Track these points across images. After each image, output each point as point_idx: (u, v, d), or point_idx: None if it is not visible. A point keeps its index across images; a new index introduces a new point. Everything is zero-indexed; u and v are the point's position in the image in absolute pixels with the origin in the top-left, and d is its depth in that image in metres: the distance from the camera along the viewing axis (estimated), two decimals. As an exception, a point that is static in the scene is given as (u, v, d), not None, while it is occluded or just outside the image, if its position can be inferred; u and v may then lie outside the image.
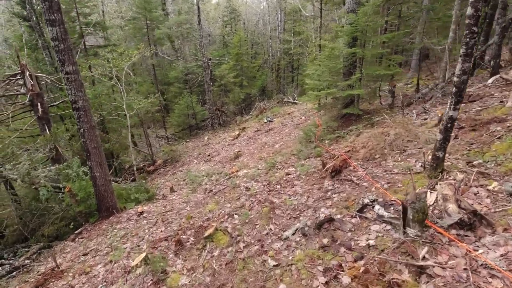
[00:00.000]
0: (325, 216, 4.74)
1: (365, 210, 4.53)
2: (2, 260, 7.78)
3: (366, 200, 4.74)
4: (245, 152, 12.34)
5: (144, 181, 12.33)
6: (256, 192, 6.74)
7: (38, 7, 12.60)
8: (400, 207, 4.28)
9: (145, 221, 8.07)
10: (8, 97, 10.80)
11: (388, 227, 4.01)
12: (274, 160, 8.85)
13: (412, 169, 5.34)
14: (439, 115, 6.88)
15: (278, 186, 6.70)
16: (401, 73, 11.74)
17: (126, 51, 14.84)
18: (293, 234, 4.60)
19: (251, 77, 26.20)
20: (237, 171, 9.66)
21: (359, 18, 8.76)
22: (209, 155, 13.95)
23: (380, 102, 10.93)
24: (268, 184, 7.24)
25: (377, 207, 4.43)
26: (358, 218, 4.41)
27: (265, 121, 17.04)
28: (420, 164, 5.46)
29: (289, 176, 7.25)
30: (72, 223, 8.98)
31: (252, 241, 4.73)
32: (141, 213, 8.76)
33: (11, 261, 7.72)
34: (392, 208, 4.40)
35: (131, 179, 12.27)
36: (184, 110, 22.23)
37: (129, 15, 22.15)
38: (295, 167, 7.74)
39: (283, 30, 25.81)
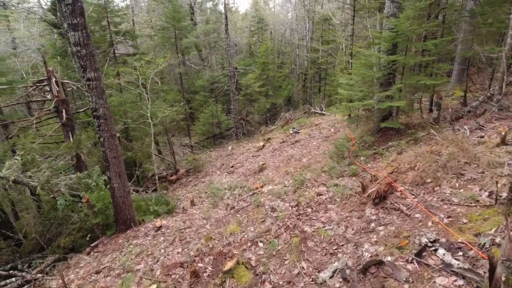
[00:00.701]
0: (370, 256, 3.81)
1: (424, 253, 3.56)
2: (15, 272, 7.38)
3: (424, 240, 3.76)
4: (270, 165, 11.52)
5: (165, 191, 11.81)
6: (284, 215, 5.88)
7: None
8: (472, 253, 3.29)
9: (162, 238, 7.43)
10: (36, 103, 10.69)
11: (461, 281, 3.03)
12: (303, 177, 7.96)
13: (478, 200, 4.30)
14: (503, 133, 5.75)
15: (309, 210, 5.81)
16: (443, 83, 10.54)
17: (153, 59, 14.63)
18: (331, 277, 3.70)
19: (277, 87, 25.49)
20: (262, 186, 8.85)
21: (401, 23, 7.80)
22: (232, 167, 13.25)
23: (421, 115, 9.78)
24: (296, 205, 6.36)
25: (441, 251, 3.45)
26: (416, 264, 3.44)
27: (291, 132, 16.18)
28: (487, 193, 4.41)
29: (321, 197, 6.34)
30: (89, 235, 8.50)
31: (281, 282, 3.87)
32: (159, 228, 8.14)
33: (23, 273, 7.30)
34: (460, 253, 3.40)
35: (152, 188, 11.79)
36: (209, 119, 21.84)
37: (159, 25, 22.24)
38: (327, 187, 6.81)
39: (311, 40, 25.00)
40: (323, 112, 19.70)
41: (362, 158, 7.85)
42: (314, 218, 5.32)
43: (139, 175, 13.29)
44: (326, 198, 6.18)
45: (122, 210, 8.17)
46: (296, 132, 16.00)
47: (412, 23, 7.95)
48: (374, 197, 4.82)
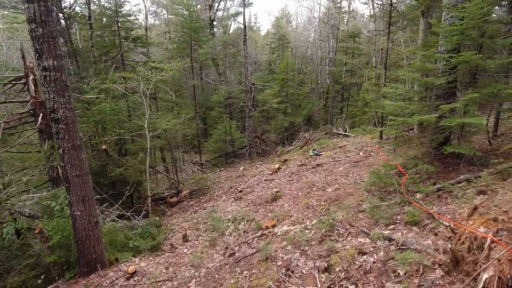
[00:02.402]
0: None
1: None
2: None
3: None
4: (286, 193, 9.11)
5: (157, 218, 9.56)
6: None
7: (67, 11, 11.31)
8: None
9: (130, 294, 5.12)
10: (13, 105, 8.95)
11: None
12: (332, 217, 5.52)
13: None
14: None
15: (351, 287, 3.35)
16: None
17: (160, 64, 12.96)
18: None
19: (296, 105, 23.33)
20: (274, 225, 6.43)
21: (473, 11, 5.50)
22: (241, 191, 10.91)
23: (488, 139, 7.22)
24: (326, 269, 3.93)
25: None
26: None
27: (311, 154, 13.76)
28: None
29: (366, 259, 3.88)
30: (43, 275, 6.31)
31: None
32: (132, 274, 5.86)
33: None
34: None
35: (143, 213, 9.58)
36: (222, 135, 19.79)
37: (177, 38, 20.85)
38: (373, 240, 4.35)
39: (335, 55, 22.92)
40: (347, 133, 17.24)
41: (418, 196, 5.34)
42: (365, 311, 2.86)
43: (133, 196, 11.18)
44: (375, 263, 3.72)
45: (85, 247, 5.95)
46: (317, 155, 13.59)
47: (489, 11, 5.65)
48: (495, 290, 2.36)
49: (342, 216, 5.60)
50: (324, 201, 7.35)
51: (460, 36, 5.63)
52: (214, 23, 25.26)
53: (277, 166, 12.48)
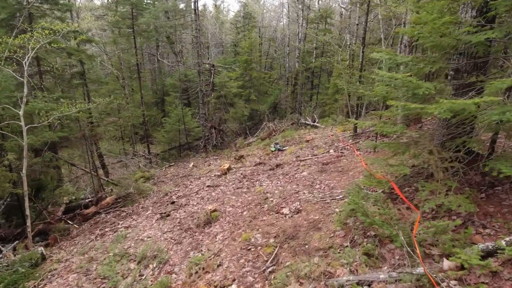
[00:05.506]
0: None
1: None
2: None
3: None
4: (226, 212, 6.12)
5: (42, 249, 6.24)
6: None
7: None
8: None
9: None
10: None
11: None
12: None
13: None
14: None
15: None
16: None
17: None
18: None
19: (262, 91, 20.26)
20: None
21: None
22: (173, 203, 7.79)
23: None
24: None
25: None
26: None
27: (272, 149, 10.88)
28: None
29: None
30: None
31: None
32: None
33: None
34: None
35: (24, 241, 6.23)
36: (175, 125, 16.38)
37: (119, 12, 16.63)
38: None
39: (304, 39, 19.95)
40: (315, 124, 14.50)
41: (446, 265, 2.53)
42: None
43: (23, 210, 7.70)
44: None
45: None
46: (279, 150, 10.73)
47: None
48: None
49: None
50: (274, 237, 4.45)
51: None
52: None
53: (227, 166, 9.42)
